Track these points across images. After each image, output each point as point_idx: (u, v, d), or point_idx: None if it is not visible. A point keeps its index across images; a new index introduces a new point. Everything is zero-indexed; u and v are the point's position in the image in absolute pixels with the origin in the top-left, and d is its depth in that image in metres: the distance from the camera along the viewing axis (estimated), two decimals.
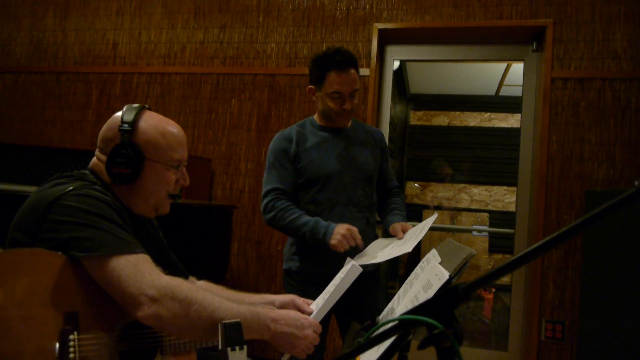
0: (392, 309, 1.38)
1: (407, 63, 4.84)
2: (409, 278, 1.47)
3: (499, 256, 5.81)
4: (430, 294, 1.11)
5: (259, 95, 3.50)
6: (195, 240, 2.54)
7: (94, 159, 1.29)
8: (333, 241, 1.79)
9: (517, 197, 3.33)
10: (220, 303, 1.12)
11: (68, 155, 3.50)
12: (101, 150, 1.27)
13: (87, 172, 1.29)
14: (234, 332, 1.06)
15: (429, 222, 1.70)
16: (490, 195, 5.75)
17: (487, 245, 5.44)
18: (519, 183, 3.31)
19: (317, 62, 1.94)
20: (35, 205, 1.12)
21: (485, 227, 5.43)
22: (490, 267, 5.76)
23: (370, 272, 2.04)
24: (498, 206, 5.68)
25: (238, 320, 1.06)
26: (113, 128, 1.25)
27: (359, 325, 1.38)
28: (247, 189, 3.47)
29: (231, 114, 3.54)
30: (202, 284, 1.55)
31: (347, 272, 1.42)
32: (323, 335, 2.02)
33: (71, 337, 1.02)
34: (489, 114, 5.83)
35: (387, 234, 1.95)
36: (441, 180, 5.84)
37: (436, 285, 1.08)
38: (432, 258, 1.44)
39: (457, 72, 5.03)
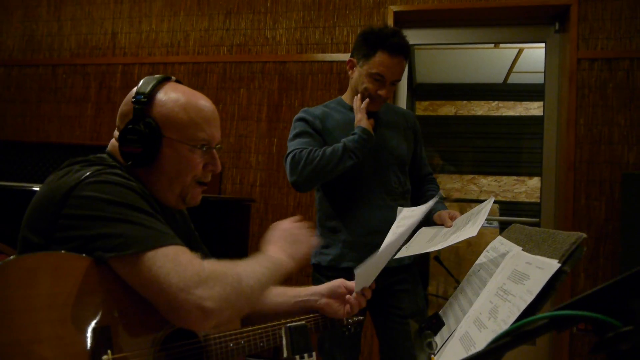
0: (461, 306, 1.22)
1: (414, 51, 4.70)
2: (473, 270, 1.32)
3: None
4: (531, 286, 0.94)
5: (269, 84, 3.33)
6: (210, 238, 2.37)
7: (112, 140, 1.12)
8: (357, 122, 1.72)
9: (541, 185, 3.20)
10: (254, 265, 1.06)
11: (67, 150, 3.32)
12: (118, 129, 1.11)
13: (104, 155, 1.12)
14: (301, 337, 0.90)
15: (486, 205, 1.55)
16: (499, 186, 5.61)
17: (497, 236, 5.31)
18: (544, 171, 3.17)
19: (370, 37, 1.79)
20: (47, 199, 0.95)
21: (510, 218, 5.31)
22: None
23: (406, 265, 1.89)
24: (508, 197, 5.54)
25: (303, 322, 0.91)
26: (128, 102, 1.09)
27: (417, 324, 1.23)
28: (258, 183, 3.30)
29: (240, 105, 3.37)
30: None
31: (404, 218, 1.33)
32: (357, 338, 1.87)
33: (104, 357, 0.85)
34: (496, 102, 5.69)
35: (430, 223, 1.80)
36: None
37: (539, 276, 0.93)
38: (501, 246, 1.29)
39: (464, 60, 4.89)
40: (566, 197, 2.94)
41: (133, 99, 1.07)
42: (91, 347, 0.84)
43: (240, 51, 3.40)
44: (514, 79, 5.47)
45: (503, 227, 5.34)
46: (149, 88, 1.07)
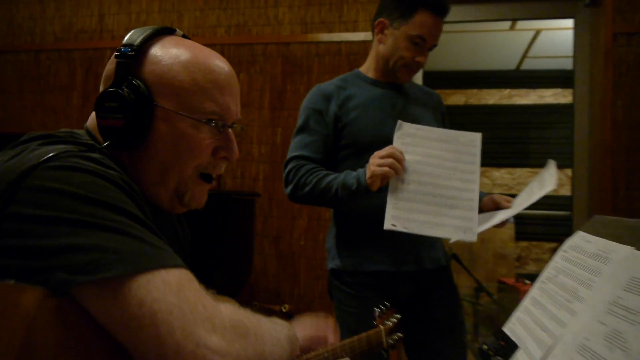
0: (541, 324, 0.94)
1: None
2: (547, 275, 1.05)
3: (525, 244, 5.42)
4: None
5: (271, 68, 3.04)
6: (212, 237, 2.08)
7: (93, 113, 0.82)
8: (368, 174, 1.36)
9: (573, 176, 2.93)
10: (279, 333, 0.80)
11: None
12: None
13: (80, 131, 0.83)
14: None
15: (549, 174, 1.36)
16: (513, 179, 5.34)
17: (513, 232, 5.04)
18: (576, 160, 2.89)
19: None
20: None
21: (529, 211, 5.06)
22: (516, 255, 5.36)
23: (442, 267, 1.61)
24: (522, 189, 5.28)
25: None
26: (113, 60, 0.80)
27: (476, 346, 0.97)
28: (261, 177, 3.01)
29: (240, 91, 3.07)
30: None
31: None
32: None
33: None
34: (508, 90, 5.41)
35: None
36: None
37: None
38: (588, 244, 1.02)
39: (475, 45, 4.60)
40: (602, 188, 2.66)
41: (117, 52, 0.78)
42: None
43: (239, 32, 3.10)
44: (527, 65, 5.19)
45: (519, 222, 5.08)
46: (140, 39, 0.79)
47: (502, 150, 5.36)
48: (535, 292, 1.03)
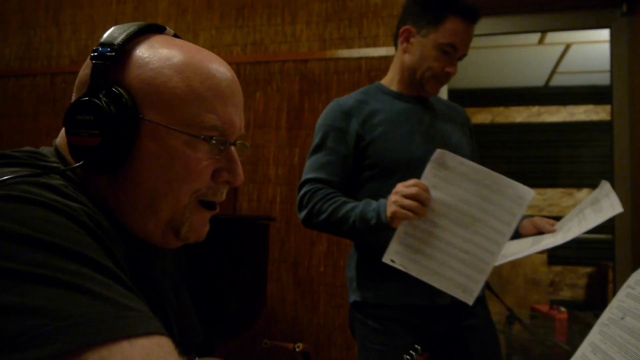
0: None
1: None
2: (610, 317, 0.88)
3: (559, 268, 5.14)
4: None
5: (289, 87, 2.92)
6: (223, 264, 1.94)
7: (62, 130, 0.68)
8: (389, 211, 1.21)
9: None
10: None
11: None
12: None
13: (47, 150, 0.69)
14: None
15: (606, 197, 1.18)
16: (544, 200, 5.09)
17: (545, 255, 4.78)
18: (617, 179, 2.68)
19: None
20: None
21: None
22: (549, 280, 5.07)
23: (478, 298, 1.43)
24: (554, 211, 5.01)
25: None
26: (89, 64, 0.66)
27: None
28: (278, 200, 2.87)
29: (256, 110, 2.97)
30: None
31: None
32: None
33: None
34: (537, 107, 5.20)
35: (515, 235, 1.34)
36: None
37: None
38: None
39: (502, 61, 4.44)
40: None
41: (93, 54, 0.64)
42: None
43: (255, 50, 3.01)
44: (557, 81, 4.99)
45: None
46: (121, 37, 0.65)
47: (531, 170, 5.14)
48: (595, 336, 0.85)
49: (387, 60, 2.77)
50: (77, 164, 0.62)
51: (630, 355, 0.71)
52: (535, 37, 3.94)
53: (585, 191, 5.05)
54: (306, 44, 2.93)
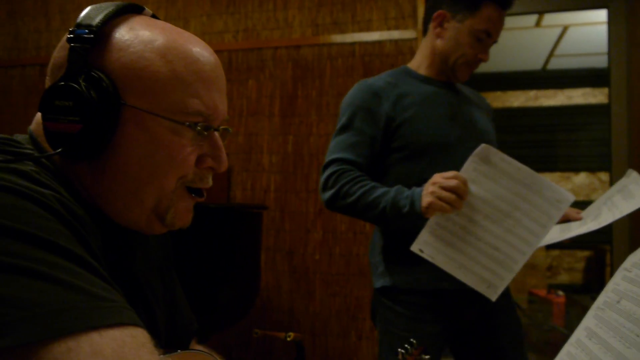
0: None
1: None
2: (605, 301, 0.87)
3: (557, 252, 5.14)
4: None
5: (282, 73, 2.88)
6: (216, 254, 1.92)
7: (38, 114, 0.66)
8: (425, 201, 1.19)
9: (611, 179, 2.73)
10: None
11: None
12: None
13: (22, 137, 0.67)
14: None
15: (635, 183, 1.14)
16: None
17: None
18: (614, 163, 2.67)
19: None
20: None
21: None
22: (547, 264, 5.08)
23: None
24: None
25: None
26: (65, 46, 0.64)
27: None
28: (272, 188, 2.85)
29: (248, 98, 2.93)
30: None
31: None
32: None
33: None
34: (534, 92, 5.17)
35: None
36: None
37: None
38: None
39: (498, 45, 4.38)
40: None
41: (70, 36, 0.61)
42: None
43: (247, 37, 2.96)
44: (554, 64, 4.95)
45: None
46: (99, 18, 0.62)
47: (528, 154, 5.11)
48: (590, 321, 0.83)
49: (381, 45, 2.73)
50: (56, 152, 0.60)
51: (627, 340, 0.69)
52: (532, 19, 3.89)
53: (582, 175, 5.04)
54: (299, 29, 2.88)
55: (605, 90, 4.41)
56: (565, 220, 1.31)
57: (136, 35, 0.64)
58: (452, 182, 1.17)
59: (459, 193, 1.17)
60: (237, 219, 2.12)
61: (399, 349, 0.96)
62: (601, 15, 2.83)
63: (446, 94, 1.47)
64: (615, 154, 2.66)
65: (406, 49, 2.69)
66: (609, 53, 2.72)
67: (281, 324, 2.74)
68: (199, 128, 0.65)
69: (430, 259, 1.22)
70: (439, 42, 1.44)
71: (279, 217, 2.82)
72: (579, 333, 0.81)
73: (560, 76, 5.07)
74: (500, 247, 1.20)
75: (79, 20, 0.63)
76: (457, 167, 1.29)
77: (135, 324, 0.50)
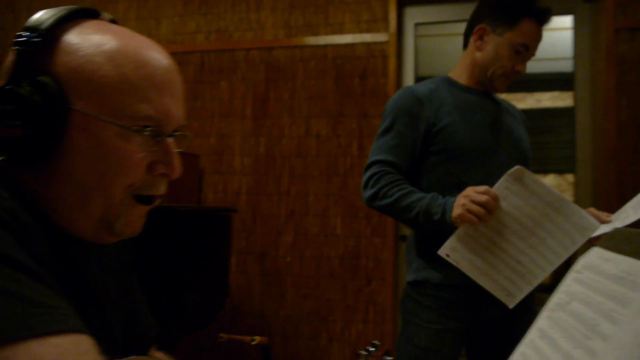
0: None
1: (418, 40, 4.27)
2: (557, 302, 0.89)
3: None
4: None
5: (254, 75, 2.87)
6: (184, 257, 1.90)
7: None
8: (455, 212, 1.27)
9: (575, 182, 2.76)
10: None
11: None
12: None
13: None
14: None
15: None
16: None
17: None
18: (578, 165, 2.72)
19: (515, 0, 1.49)
20: None
21: None
22: None
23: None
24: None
25: None
26: (14, 49, 0.62)
27: None
28: (244, 190, 2.83)
29: (221, 100, 2.91)
30: None
31: None
32: None
33: None
34: (504, 95, 5.25)
35: None
36: None
37: None
38: (607, 264, 0.85)
39: None
40: (608, 193, 2.48)
41: (17, 39, 0.60)
42: None
43: (219, 38, 2.94)
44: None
45: None
46: (49, 21, 0.61)
47: None
48: (542, 321, 0.85)
49: (353, 48, 2.75)
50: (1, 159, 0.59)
51: (576, 340, 0.71)
52: None
53: (551, 176, 5.13)
54: (271, 31, 2.88)
55: (572, 93, 4.51)
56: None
57: (86, 39, 0.63)
58: (483, 198, 1.23)
59: (489, 208, 1.23)
60: (205, 222, 2.10)
61: (360, 351, 0.96)
62: (567, 21, 2.89)
63: (484, 103, 1.55)
64: (579, 156, 2.72)
65: (378, 52, 2.72)
66: (574, 58, 2.79)
67: (252, 326, 2.73)
68: (146, 133, 0.63)
69: (455, 264, 1.28)
70: (479, 54, 1.52)
71: (251, 220, 2.80)
72: (532, 333, 0.83)
73: (530, 80, 5.15)
74: (523, 261, 1.27)
75: (28, 23, 0.62)
76: (493, 172, 1.36)
77: (79, 331, 0.49)
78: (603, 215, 1.34)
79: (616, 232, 0.89)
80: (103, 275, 0.75)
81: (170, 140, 0.68)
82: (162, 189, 0.70)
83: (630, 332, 0.60)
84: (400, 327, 1.53)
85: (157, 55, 0.66)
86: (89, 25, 0.65)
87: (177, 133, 0.69)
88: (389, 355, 1.01)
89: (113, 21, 0.71)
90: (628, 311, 0.64)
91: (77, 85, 0.61)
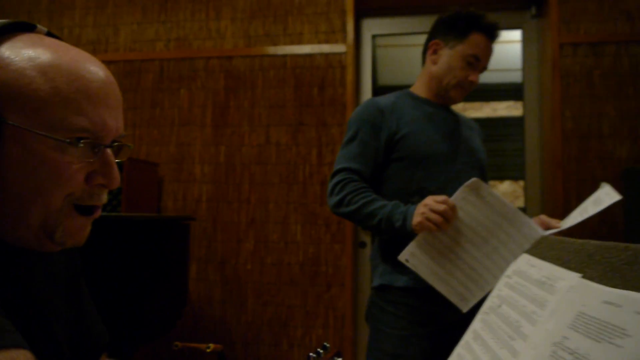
0: None
1: (377, 50, 4.35)
2: (490, 305, 0.94)
3: None
4: (635, 348, 0.55)
5: (214, 83, 2.88)
6: (141, 267, 1.89)
7: None
8: (415, 220, 1.35)
9: (525, 190, 2.87)
10: None
11: None
12: None
13: None
14: None
15: (605, 192, 1.31)
16: None
17: None
18: (528, 172, 2.84)
19: (465, 17, 1.60)
20: None
21: None
22: None
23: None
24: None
25: None
26: None
27: None
28: (204, 198, 2.83)
29: (180, 108, 2.90)
30: None
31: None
32: None
33: None
34: (462, 104, 5.41)
35: None
36: None
37: None
38: (532, 269, 0.92)
39: None
40: (555, 199, 2.60)
41: None
42: None
43: (179, 46, 2.94)
44: (480, 78, 5.19)
45: None
46: None
47: None
48: (477, 324, 0.91)
49: (311, 58, 2.79)
50: None
51: (503, 342, 0.76)
52: None
53: (507, 183, 5.31)
54: (231, 40, 2.89)
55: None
56: (547, 228, 1.43)
57: (18, 53, 0.63)
58: (442, 207, 1.30)
59: (446, 217, 1.30)
60: (162, 230, 2.09)
61: (310, 353, 0.99)
62: (518, 34, 3.02)
63: (444, 115, 1.64)
64: (528, 164, 2.84)
65: (336, 63, 2.77)
66: (523, 70, 2.92)
67: (213, 334, 2.73)
68: (81, 145, 0.65)
69: (413, 269, 1.35)
70: (434, 68, 1.63)
71: (211, 228, 2.80)
72: (468, 335, 0.88)
73: (486, 89, 5.32)
74: (477, 268, 1.34)
75: None
76: (452, 179, 1.51)
77: (17, 346, 0.49)
78: (553, 221, 1.43)
79: (542, 239, 0.95)
80: (49, 284, 0.75)
81: (108, 151, 0.69)
82: (102, 198, 0.71)
83: (544, 332, 0.65)
84: (369, 335, 1.58)
85: (91, 68, 0.67)
86: (22, 39, 0.65)
87: (116, 144, 0.71)
88: (339, 357, 1.04)
89: (51, 34, 0.71)
90: (545, 312, 0.69)
91: (9, 99, 0.61)
